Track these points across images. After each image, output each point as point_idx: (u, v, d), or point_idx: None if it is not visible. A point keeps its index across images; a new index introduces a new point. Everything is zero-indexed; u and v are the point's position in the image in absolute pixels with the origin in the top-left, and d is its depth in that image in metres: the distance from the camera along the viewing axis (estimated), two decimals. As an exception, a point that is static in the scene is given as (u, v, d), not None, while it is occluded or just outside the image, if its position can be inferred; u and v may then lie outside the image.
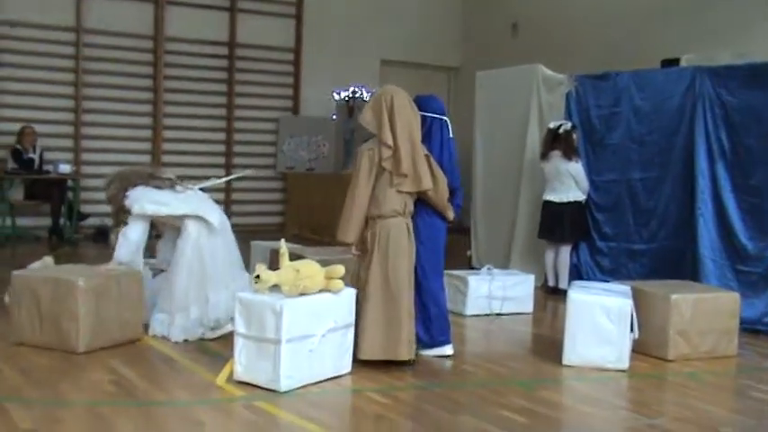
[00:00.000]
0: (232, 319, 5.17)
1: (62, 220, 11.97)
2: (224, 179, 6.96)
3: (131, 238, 6.04)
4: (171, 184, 6.24)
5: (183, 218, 6.05)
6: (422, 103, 5.65)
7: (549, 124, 8.72)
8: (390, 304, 5.32)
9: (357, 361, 5.24)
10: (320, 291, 5.03)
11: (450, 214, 5.67)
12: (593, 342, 5.54)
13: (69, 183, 12.05)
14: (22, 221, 11.90)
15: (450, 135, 5.77)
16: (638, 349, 5.73)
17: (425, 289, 5.60)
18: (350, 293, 5.23)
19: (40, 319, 5.55)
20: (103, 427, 4.10)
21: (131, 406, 4.50)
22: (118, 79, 12.92)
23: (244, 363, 4.90)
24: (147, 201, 5.98)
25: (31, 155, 11.77)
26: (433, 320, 5.66)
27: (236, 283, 6.06)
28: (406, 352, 5.30)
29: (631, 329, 5.53)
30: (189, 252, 5.99)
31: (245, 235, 11.91)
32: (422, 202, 5.51)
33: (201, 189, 6.56)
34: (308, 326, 4.89)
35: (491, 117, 10.09)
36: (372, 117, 5.35)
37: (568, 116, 8.85)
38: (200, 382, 5.00)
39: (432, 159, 5.46)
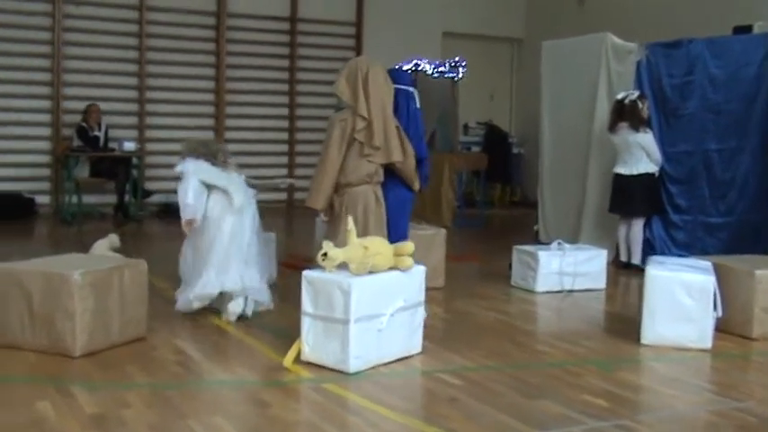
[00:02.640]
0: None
1: (127, 198, 12.03)
2: (269, 182, 6.84)
3: (193, 184, 6.02)
4: (223, 163, 6.26)
5: (212, 188, 6.06)
6: (390, 75, 5.58)
7: (617, 95, 8.42)
8: None
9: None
10: (389, 268, 4.88)
11: (417, 184, 5.66)
12: (673, 320, 5.30)
13: (134, 160, 12.09)
14: (88, 199, 11.98)
15: (417, 106, 5.73)
16: (720, 327, 5.45)
17: None
18: (420, 271, 5.06)
19: (32, 317, 4.92)
20: (171, 411, 4.00)
21: (199, 387, 4.41)
22: (181, 56, 12.94)
23: (311, 343, 4.77)
24: (191, 164, 6.05)
25: (96, 133, 11.83)
26: None
27: (247, 270, 6.01)
28: None
29: (714, 307, 5.27)
30: (206, 228, 6.02)
31: (298, 210, 11.97)
32: (389, 172, 5.49)
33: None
34: (376, 305, 4.74)
35: (557, 88, 9.80)
36: (347, 87, 5.31)
37: (639, 86, 8.53)
38: (267, 362, 4.89)
39: (402, 132, 5.44)
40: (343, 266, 4.75)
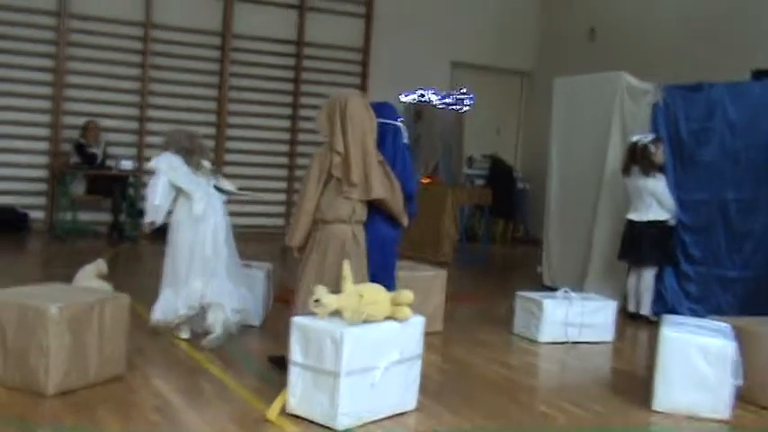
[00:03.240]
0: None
1: (122, 217, 11.76)
2: (240, 193, 6.69)
3: (159, 184, 5.98)
4: (197, 167, 6.12)
5: (178, 190, 5.99)
6: (373, 109, 5.36)
7: (632, 137, 8.12)
8: None
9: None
10: (385, 318, 4.56)
11: (406, 220, 5.39)
12: (688, 386, 4.95)
13: (131, 179, 11.81)
14: (83, 216, 11.73)
15: (405, 141, 5.50)
16: (740, 396, 5.08)
17: None
18: (418, 322, 4.74)
19: (5, 351, 4.63)
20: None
21: (174, 441, 4.09)
22: (183, 76, 12.70)
23: (298, 395, 4.45)
24: (164, 161, 5.97)
25: (94, 150, 11.59)
26: None
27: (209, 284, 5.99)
28: None
29: (734, 375, 4.93)
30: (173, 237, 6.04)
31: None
32: (375, 208, 5.24)
33: (218, 189, 6.33)
34: (370, 357, 4.42)
35: (568, 126, 9.53)
36: (326, 122, 5.13)
37: (655, 128, 8.23)
38: (251, 412, 4.55)
39: (386, 166, 5.21)
40: (336, 314, 4.45)
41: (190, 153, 6.11)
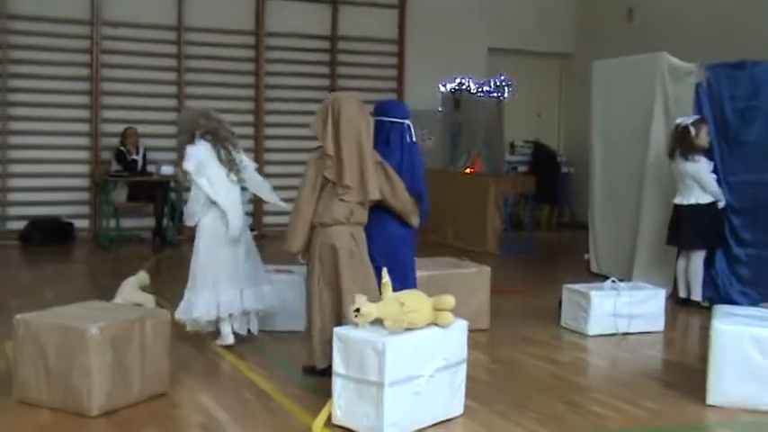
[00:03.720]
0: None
1: (165, 222, 11.79)
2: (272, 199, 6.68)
3: (201, 198, 6.00)
4: (229, 164, 6.03)
5: (211, 203, 5.96)
6: (381, 108, 5.55)
7: (677, 120, 7.91)
8: (334, 313, 5.12)
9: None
10: (427, 325, 4.47)
11: (415, 220, 5.41)
12: (743, 379, 4.80)
13: (172, 184, 11.84)
14: (126, 223, 11.79)
15: (413, 139, 5.51)
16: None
17: None
18: (461, 326, 4.65)
19: (47, 374, 4.60)
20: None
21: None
22: (218, 77, 12.67)
23: (343, 406, 4.38)
24: (203, 168, 5.92)
25: (134, 156, 11.62)
26: None
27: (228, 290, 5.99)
28: None
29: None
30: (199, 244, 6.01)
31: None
32: (383, 210, 5.28)
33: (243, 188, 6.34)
34: (414, 366, 4.34)
35: (609, 110, 9.33)
36: (320, 126, 5.16)
37: (699, 109, 8.02)
38: (296, 425, 4.50)
39: (386, 166, 5.23)
40: (377, 323, 4.37)
41: (215, 133, 6.03)
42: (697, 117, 7.75)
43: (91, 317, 4.77)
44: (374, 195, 5.12)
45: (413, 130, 5.53)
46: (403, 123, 5.49)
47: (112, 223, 11.65)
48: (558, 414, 4.80)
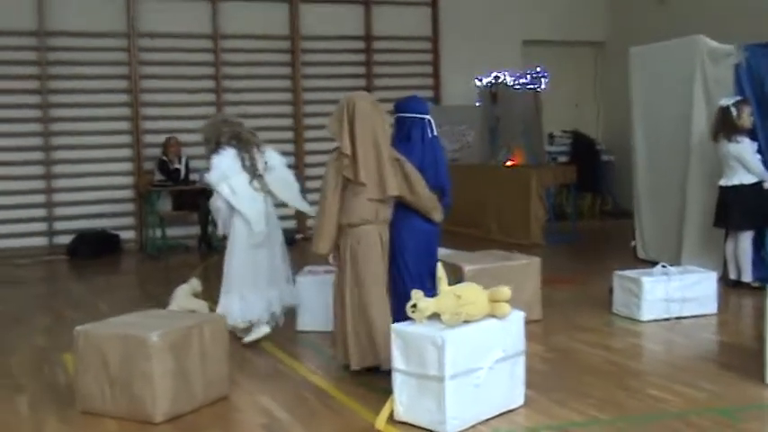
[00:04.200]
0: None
1: (210, 228, 11.90)
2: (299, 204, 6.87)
3: (223, 209, 6.26)
4: (252, 170, 6.20)
5: (237, 213, 6.15)
6: (400, 105, 5.62)
7: (720, 102, 7.86)
8: (365, 313, 5.21)
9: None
10: (484, 317, 4.50)
11: (437, 216, 5.45)
12: (802, 358, 4.79)
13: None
14: (172, 232, 11.92)
15: (434, 134, 5.58)
16: None
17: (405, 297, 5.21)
18: (519, 317, 4.67)
19: (110, 383, 4.68)
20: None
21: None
22: (257, 83, 12.80)
23: (405, 402, 4.43)
24: (225, 180, 6.12)
25: (176, 165, 11.75)
26: None
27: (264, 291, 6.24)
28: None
29: None
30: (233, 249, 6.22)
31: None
32: (406, 207, 5.35)
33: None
34: (473, 358, 4.38)
35: (649, 95, 9.28)
36: (335, 125, 5.23)
37: (740, 90, 7.96)
38: (359, 422, 4.55)
39: (404, 163, 5.27)
40: (434, 318, 4.40)
41: (238, 138, 6.22)
42: (739, 98, 7.69)
43: (150, 325, 4.87)
44: (392, 192, 5.18)
45: (433, 126, 5.60)
46: (423, 119, 5.56)
47: (158, 233, 11.79)
48: (617, 400, 4.81)
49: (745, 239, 7.71)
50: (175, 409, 4.68)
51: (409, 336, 4.39)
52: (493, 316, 4.53)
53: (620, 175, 14.16)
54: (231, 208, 6.18)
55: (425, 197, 5.34)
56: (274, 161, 6.44)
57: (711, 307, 6.76)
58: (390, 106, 5.72)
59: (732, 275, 7.79)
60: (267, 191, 6.32)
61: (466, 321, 4.41)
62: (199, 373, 4.83)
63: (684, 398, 4.78)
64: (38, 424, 4.68)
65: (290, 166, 6.85)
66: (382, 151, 5.18)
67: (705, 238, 8.27)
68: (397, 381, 4.44)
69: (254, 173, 6.20)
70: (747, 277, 7.69)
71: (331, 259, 5.40)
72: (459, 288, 4.48)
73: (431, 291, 5.21)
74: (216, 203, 6.32)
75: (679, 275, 6.75)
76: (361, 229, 5.19)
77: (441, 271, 4.53)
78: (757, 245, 7.78)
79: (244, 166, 6.17)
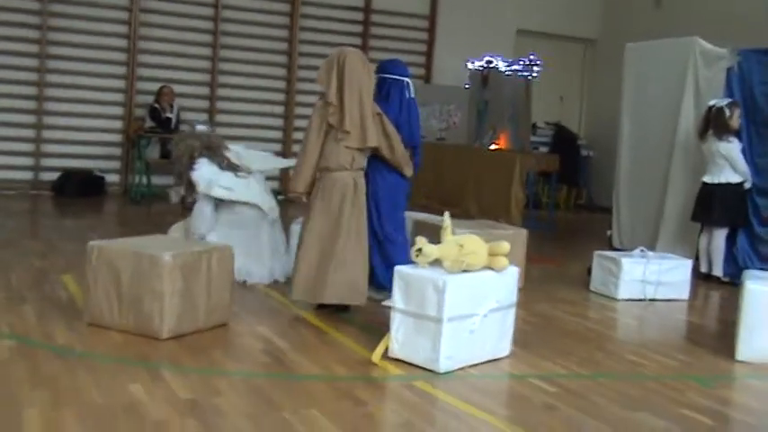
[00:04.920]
0: None
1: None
2: (281, 164, 7.24)
3: (207, 213, 6.54)
4: (230, 166, 6.60)
5: (241, 203, 6.50)
6: (382, 65, 6.00)
7: (709, 102, 8.17)
8: (327, 251, 5.48)
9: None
10: (483, 268, 4.76)
11: (409, 171, 5.91)
12: (772, 337, 5.10)
13: (203, 144, 12.10)
14: (157, 180, 12.02)
15: (412, 95, 6.00)
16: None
17: (386, 241, 5.88)
18: (513, 272, 4.94)
19: (119, 297, 4.87)
20: (264, 401, 3.93)
21: (289, 379, 4.34)
22: (253, 42, 12.96)
23: (401, 340, 4.67)
24: (214, 183, 6.42)
25: (168, 114, 11.88)
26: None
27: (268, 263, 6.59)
28: (328, 296, 5.44)
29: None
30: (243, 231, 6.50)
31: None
32: (380, 160, 5.76)
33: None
34: (470, 305, 4.62)
35: (640, 91, 9.55)
36: (325, 75, 5.54)
37: (729, 93, 8.29)
38: (354, 356, 4.79)
39: (384, 119, 5.66)
40: (436, 263, 4.65)
41: (208, 147, 6.62)
42: (731, 100, 8.01)
43: (162, 246, 5.08)
44: (372, 142, 5.55)
45: (412, 88, 6.03)
46: (403, 80, 5.98)
47: (144, 179, 11.91)
48: (597, 359, 5.11)
49: (720, 236, 8.04)
50: (180, 328, 4.87)
51: (411, 277, 4.63)
52: (491, 268, 4.78)
53: (597, 170, 14.53)
54: (213, 215, 6.54)
55: (400, 153, 5.78)
56: (237, 151, 6.87)
57: (684, 293, 7.08)
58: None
59: (703, 268, 8.12)
60: (251, 171, 6.66)
61: (466, 270, 4.65)
62: (204, 297, 5.02)
63: (659, 364, 5.09)
64: (47, 331, 4.86)
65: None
66: (366, 105, 5.52)
67: (681, 231, 8.60)
68: (396, 319, 4.67)
69: (233, 168, 6.60)
70: (718, 272, 8.03)
71: (304, 198, 5.72)
72: (463, 238, 4.72)
73: (400, 235, 5.94)
74: (202, 208, 6.55)
75: (657, 260, 7.07)
76: (338, 174, 5.52)
77: (447, 220, 4.77)
78: (729, 242, 8.11)
79: (221, 167, 6.55)
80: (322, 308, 5.69)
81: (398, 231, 5.99)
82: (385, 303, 4.82)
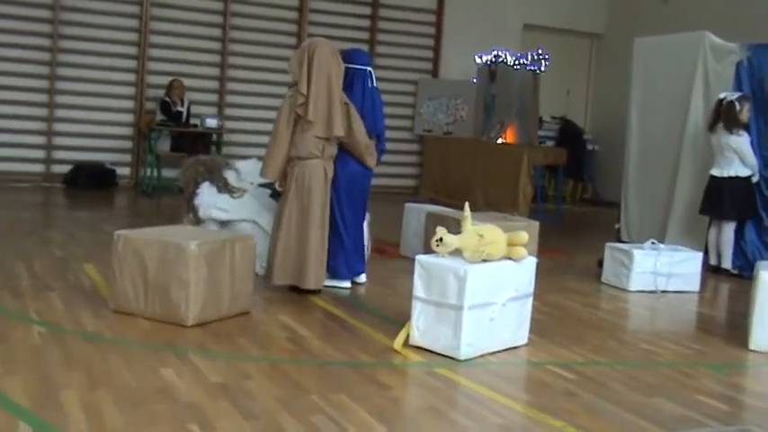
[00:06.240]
0: None
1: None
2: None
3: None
4: (228, 189, 6.82)
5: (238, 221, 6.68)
6: (345, 55, 6.08)
7: (719, 95, 8.27)
8: (301, 237, 5.77)
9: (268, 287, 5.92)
10: (502, 257, 4.86)
11: (371, 161, 6.10)
12: (785, 327, 5.21)
13: (214, 137, 12.21)
14: (168, 173, 12.12)
15: (374, 84, 6.20)
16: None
17: (344, 227, 6.07)
18: (531, 262, 5.04)
19: (146, 285, 4.98)
20: (293, 385, 4.03)
21: (314, 364, 4.44)
22: (263, 36, 13.05)
23: (421, 328, 4.77)
24: (213, 207, 6.67)
25: (179, 108, 11.97)
26: (350, 254, 6.14)
27: None
28: (312, 282, 5.79)
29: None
30: None
31: (379, 196, 11.83)
32: (344, 150, 5.97)
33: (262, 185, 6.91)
34: (489, 293, 4.73)
35: (648, 85, 9.64)
36: (296, 66, 5.74)
37: (738, 87, 8.38)
38: (375, 343, 4.89)
39: (351, 109, 5.88)
40: (456, 253, 4.75)
41: (210, 172, 6.86)
42: (741, 93, 8.11)
43: (187, 235, 5.20)
44: (338, 132, 5.77)
45: (374, 76, 6.24)
46: (365, 70, 6.18)
47: (155, 172, 12.01)
48: (612, 348, 5.21)
49: (729, 229, 8.14)
50: (204, 316, 4.98)
51: (433, 266, 4.73)
52: (509, 258, 4.89)
53: (603, 164, 14.63)
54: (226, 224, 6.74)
55: (363, 143, 5.99)
56: (242, 168, 7.04)
57: (695, 285, 7.18)
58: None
59: (713, 261, 8.22)
60: (245, 190, 6.85)
61: (485, 260, 4.76)
62: (227, 285, 5.13)
63: (674, 352, 5.20)
64: (75, 318, 4.96)
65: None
66: (334, 95, 5.74)
67: (689, 224, 8.69)
68: (416, 308, 4.77)
69: (230, 190, 6.81)
70: (727, 264, 8.13)
71: (277, 186, 5.95)
72: (482, 228, 4.82)
73: (359, 225, 6.19)
74: (210, 227, 6.77)
75: (668, 252, 7.17)
76: (309, 162, 5.75)
77: (467, 211, 4.87)
78: (737, 235, 8.21)
79: (219, 190, 6.77)
80: (294, 290, 5.93)
81: (354, 219, 6.18)
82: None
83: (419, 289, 4.78)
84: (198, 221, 6.75)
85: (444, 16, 14.18)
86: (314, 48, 5.74)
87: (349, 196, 6.07)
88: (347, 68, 6.01)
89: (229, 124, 12.75)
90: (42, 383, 3.80)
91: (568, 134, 14.54)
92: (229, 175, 6.90)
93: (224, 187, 6.81)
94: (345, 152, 5.99)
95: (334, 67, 5.76)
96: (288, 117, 5.72)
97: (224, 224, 6.71)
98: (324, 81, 5.68)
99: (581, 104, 15.78)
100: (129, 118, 12.49)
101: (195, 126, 11.92)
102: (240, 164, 7.12)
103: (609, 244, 7.38)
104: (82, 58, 12.11)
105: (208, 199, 6.73)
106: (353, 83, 6.07)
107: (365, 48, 13.45)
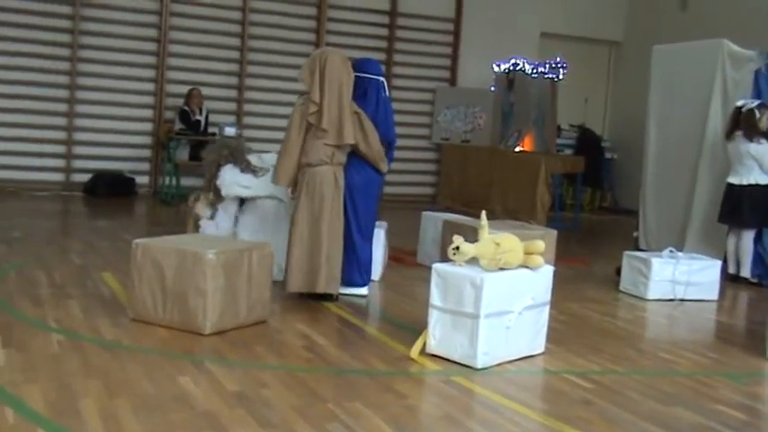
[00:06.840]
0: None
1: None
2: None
3: (232, 211, 6.84)
4: (250, 169, 6.84)
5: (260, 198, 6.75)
6: (358, 65, 6.14)
7: (737, 102, 8.24)
8: (313, 243, 5.81)
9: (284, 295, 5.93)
10: (519, 266, 4.86)
11: (384, 166, 6.18)
12: (804, 336, 5.18)
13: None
14: (186, 181, 12.17)
15: (386, 94, 6.29)
16: None
17: (358, 235, 6.11)
18: (548, 270, 5.03)
19: (164, 294, 5.00)
20: (309, 394, 4.04)
21: (331, 373, 4.45)
22: (281, 45, 13.10)
23: (438, 336, 4.77)
24: (236, 185, 6.72)
25: (197, 117, 12.03)
26: (363, 262, 6.19)
27: None
28: (324, 286, 5.82)
29: None
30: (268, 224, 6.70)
31: (397, 205, 11.87)
32: (357, 156, 6.02)
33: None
34: (506, 302, 4.73)
35: (666, 93, 9.62)
36: (308, 75, 5.80)
37: (757, 95, 8.34)
38: (392, 352, 4.90)
39: (362, 117, 5.94)
40: (473, 261, 4.75)
41: (233, 155, 6.88)
42: (760, 101, 8.07)
43: (205, 244, 5.22)
44: (349, 140, 5.82)
45: (386, 86, 6.32)
46: (378, 79, 6.24)
47: (173, 181, 12.07)
48: (630, 357, 5.19)
49: (749, 237, 8.09)
50: (222, 324, 5.00)
51: (449, 275, 4.74)
52: (526, 266, 4.88)
53: (621, 172, 14.59)
54: (242, 211, 6.85)
55: (376, 149, 6.05)
56: (265, 157, 7.05)
57: (713, 293, 7.14)
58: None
59: (732, 270, 8.17)
60: (267, 169, 6.82)
61: (502, 268, 4.75)
62: (245, 293, 5.15)
63: (692, 362, 5.17)
64: (94, 326, 5.00)
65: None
66: (345, 103, 5.79)
67: (708, 232, 8.64)
68: (433, 316, 4.77)
69: (252, 170, 6.83)
70: (746, 273, 8.08)
71: (289, 192, 6.04)
72: (499, 237, 4.82)
73: (369, 230, 6.21)
74: (227, 207, 6.87)
75: (687, 260, 7.14)
76: (319, 169, 5.82)
77: (484, 219, 4.88)
78: (757, 243, 8.16)
79: (242, 170, 6.80)
80: (311, 297, 5.95)
81: (369, 225, 6.22)
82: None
83: (436, 297, 4.79)
84: (219, 200, 6.81)
85: (462, 25, 14.19)
86: (325, 57, 5.81)
87: (364, 202, 6.12)
88: (361, 78, 6.07)
89: (248, 132, 12.78)
90: (61, 391, 3.82)
91: (587, 142, 14.48)
92: (254, 158, 6.96)
93: (247, 168, 6.84)
94: (359, 158, 6.05)
95: (345, 75, 5.83)
96: (299, 125, 5.80)
97: (245, 204, 6.81)
98: (335, 90, 5.75)
99: (599, 112, 15.75)
100: (148, 127, 12.57)
101: (214, 134, 11.95)
102: (264, 155, 7.20)
103: (627, 252, 7.36)
104: (101, 67, 12.21)
105: (231, 177, 6.78)
106: (367, 92, 6.12)
107: (383, 57, 13.55)
